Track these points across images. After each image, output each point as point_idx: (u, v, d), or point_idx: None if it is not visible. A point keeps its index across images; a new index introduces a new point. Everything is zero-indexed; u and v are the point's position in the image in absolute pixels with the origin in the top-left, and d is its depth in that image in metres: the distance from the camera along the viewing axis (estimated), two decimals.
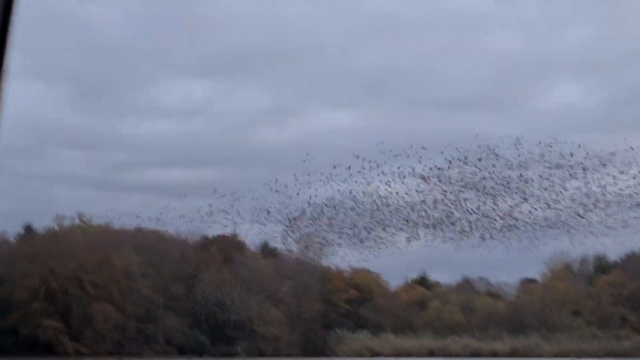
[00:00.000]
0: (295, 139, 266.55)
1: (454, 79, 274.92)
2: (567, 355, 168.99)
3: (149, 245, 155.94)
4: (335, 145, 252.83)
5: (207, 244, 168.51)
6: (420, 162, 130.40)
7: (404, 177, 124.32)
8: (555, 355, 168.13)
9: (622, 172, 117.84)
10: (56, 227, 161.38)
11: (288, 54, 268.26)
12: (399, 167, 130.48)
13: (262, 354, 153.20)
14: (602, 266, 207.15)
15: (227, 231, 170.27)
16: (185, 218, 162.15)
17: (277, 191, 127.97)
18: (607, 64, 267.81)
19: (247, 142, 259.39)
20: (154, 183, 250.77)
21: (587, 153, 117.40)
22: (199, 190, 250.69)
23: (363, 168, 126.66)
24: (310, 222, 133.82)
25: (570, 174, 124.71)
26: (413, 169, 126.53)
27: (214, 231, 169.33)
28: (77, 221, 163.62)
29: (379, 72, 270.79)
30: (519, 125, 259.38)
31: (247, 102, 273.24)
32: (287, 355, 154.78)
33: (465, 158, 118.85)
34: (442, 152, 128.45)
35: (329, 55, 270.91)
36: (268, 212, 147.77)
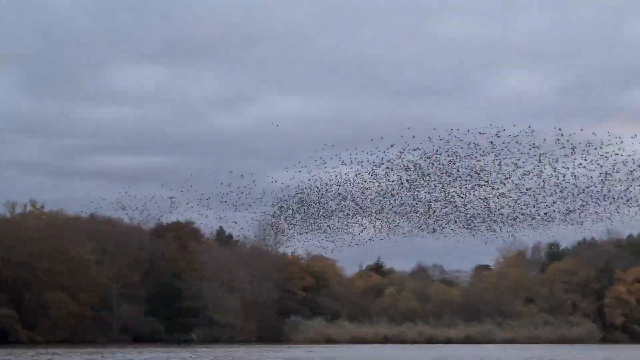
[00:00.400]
0: (249, 125, 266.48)
1: (408, 66, 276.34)
2: (520, 341, 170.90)
3: (104, 232, 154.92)
4: (289, 132, 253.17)
5: (163, 231, 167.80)
6: (376, 148, 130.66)
7: (361, 164, 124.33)
8: (508, 342, 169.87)
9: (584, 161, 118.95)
10: (8, 214, 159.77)
11: (242, 41, 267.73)
12: (356, 154, 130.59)
13: (217, 341, 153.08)
14: (555, 253, 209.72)
15: (183, 218, 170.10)
16: (140, 205, 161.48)
17: (232, 177, 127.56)
18: (559, 52, 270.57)
19: (201, 129, 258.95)
20: (107, 169, 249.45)
21: (544, 140, 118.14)
22: (153, 176, 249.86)
23: (320, 158, 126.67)
24: (267, 209, 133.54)
25: (525, 162, 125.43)
26: (370, 156, 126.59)
27: (169, 218, 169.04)
28: (29, 208, 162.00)
29: (334, 59, 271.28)
30: (473, 112, 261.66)
31: (201, 88, 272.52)
32: (243, 342, 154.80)
33: (425, 149, 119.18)
34: (398, 139, 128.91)
35: (284, 42, 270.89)
36: (223, 198, 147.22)
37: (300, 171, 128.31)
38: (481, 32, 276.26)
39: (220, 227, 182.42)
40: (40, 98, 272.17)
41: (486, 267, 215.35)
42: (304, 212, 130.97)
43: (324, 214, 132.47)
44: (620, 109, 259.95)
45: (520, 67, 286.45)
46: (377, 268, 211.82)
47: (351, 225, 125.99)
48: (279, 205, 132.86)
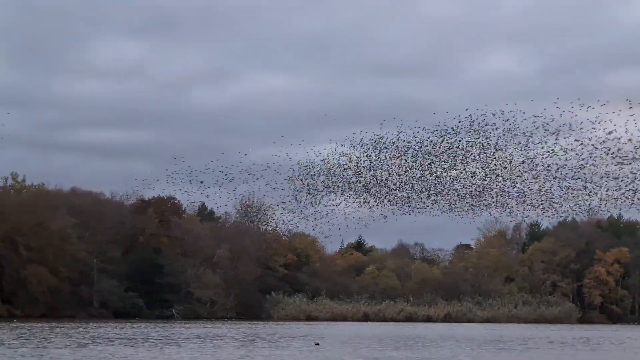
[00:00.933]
0: (231, 102, 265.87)
1: (390, 45, 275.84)
2: (499, 321, 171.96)
3: (85, 207, 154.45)
4: (271, 109, 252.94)
5: (144, 207, 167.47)
6: (359, 127, 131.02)
7: (343, 143, 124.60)
8: (487, 321, 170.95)
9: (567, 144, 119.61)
10: None
11: (225, 16, 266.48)
12: (338, 132, 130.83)
13: (197, 317, 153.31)
14: (535, 233, 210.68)
15: (164, 193, 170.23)
16: (121, 180, 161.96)
17: (214, 153, 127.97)
18: (541, 33, 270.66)
19: (183, 104, 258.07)
20: (88, 144, 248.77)
21: (533, 123, 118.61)
22: (135, 151, 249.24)
23: (304, 136, 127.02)
24: (250, 185, 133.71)
25: (506, 143, 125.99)
26: (352, 135, 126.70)
27: (150, 193, 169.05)
28: (10, 181, 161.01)
29: (316, 37, 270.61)
30: (454, 92, 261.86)
31: (183, 64, 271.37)
32: (223, 318, 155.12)
33: (403, 125, 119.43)
34: (379, 118, 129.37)
35: (267, 19, 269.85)
36: (205, 174, 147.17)
37: (282, 148, 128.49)
38: (463, 11, 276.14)
39: (202, 203, 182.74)
40: (22, 71, 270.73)
41: (467, 246, 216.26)
42: (288, 187, 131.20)
43: (310, 190, 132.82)
44: (602, 91, 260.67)
45: (502, 48, 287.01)
46: (359, 246, 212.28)
47: (335, 199, 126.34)
48: (264, 181, 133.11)
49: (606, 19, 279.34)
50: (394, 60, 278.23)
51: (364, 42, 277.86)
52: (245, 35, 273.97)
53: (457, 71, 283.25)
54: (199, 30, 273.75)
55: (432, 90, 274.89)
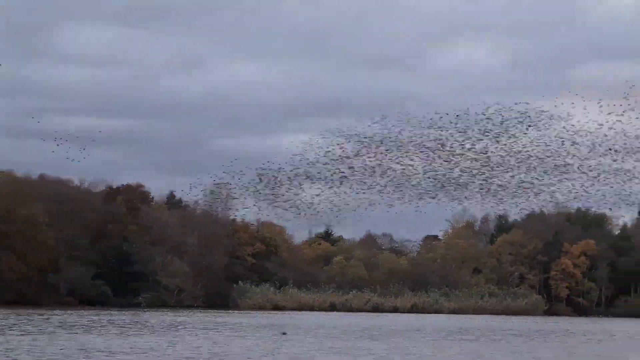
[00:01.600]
0: (204, 90, 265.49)
1: (372, 37, 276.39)
2: (466, 312, 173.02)
3: (54, 194, 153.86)
4: (248, 99, 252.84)
5: (113, 194, 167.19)
6: (333, 118, 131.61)
7: (315, 133, 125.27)
8: (454, 312, 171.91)
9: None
10: None
11: (200, 5, 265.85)
12: (311, 122, 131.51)
13: (164, 306, 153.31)
14: (503, 225, 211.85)
15: (133, 181, 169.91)
16: (91, 167, 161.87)
17: (186, 142, 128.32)
18: (510, 26, 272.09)
19: (156, 92, 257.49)
20: (61, 130, 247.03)
21: (502, 115, 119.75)
22: (106, 139, 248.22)
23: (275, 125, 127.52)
24: (219, 174, 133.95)
25: (478, 135, 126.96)
26: (326, 125, 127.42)
27: (119, 181, 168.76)
28: None
29: (291, 27, 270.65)
30: (423, 83, 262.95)
31: (157, 52, 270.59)
32: (190, 307, 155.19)
33: (382, 116, 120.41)
34: (356, 110, 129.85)
35: (242, 8, 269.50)
36: (176, 163, 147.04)
37: (256, 137, 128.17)
38: (434, 3, 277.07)
39: (170, 191, 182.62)
40: None
41: (435, 237, 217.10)
42: (258, 176, 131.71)
43: (279, 180, 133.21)
44: (570, 84, 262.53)
45: (470, 40, 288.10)
46: (327, 236, 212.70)
47: (304, 189, 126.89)
48: (234, 170, 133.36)
49: (575, 11, 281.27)
50: (365, 52, 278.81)
51: (337, 33, 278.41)
52: (218, 25, 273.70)
53: (426, 63, 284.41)
54: (173, 18, 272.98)
55: (402, 81, 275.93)
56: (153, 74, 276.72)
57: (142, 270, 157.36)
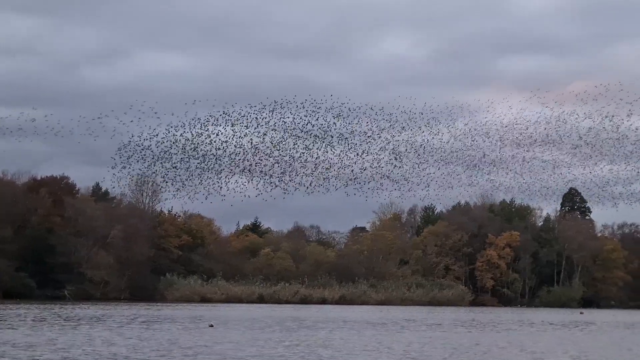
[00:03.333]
0: (125, 81, 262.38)
1: (287, 26, 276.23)
2: (392, 303, 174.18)
3: None
4: (166, 89, 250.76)
5: (36, 186, 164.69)
6: (252, 108, 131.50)
7: (236, 124, 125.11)
8: (381, 303, 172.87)
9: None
10: None
11: None
12: (232, 113, 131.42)
13: (89, 298, 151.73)
14: (429, 217, 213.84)
15: (57, 173, 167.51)
16: (12, 159, 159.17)
17: (106, 133, 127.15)
18: (434, 17, 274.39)
19: (75, 83, 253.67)
20: None
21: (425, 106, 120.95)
22: (25, 130, 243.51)
23: (195, 115, 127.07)
24: (143, 165, 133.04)
25: (400, 128, 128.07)
26: (247, 116, 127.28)
27: (43, 172, 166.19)
28: None
29: (213, 17, 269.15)
30: (348, 75, 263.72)
31: (74, 42, 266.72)
32: (116, 299, 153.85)
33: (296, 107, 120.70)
34: (276, 101, 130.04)
35: None
36: (98, 154, 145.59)
37: (177, 128, 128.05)
38: None
39: (96, 183, 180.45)
40: None
41: (362, 229, 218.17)
42: (183, 167, 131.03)
43: (204, 171, 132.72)
44: (494, 77, 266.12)
45: (395, 32, 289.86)
46: (254, 228, 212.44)
47: (230, 180, 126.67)
48: (158, 161, 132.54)
49: (500, 2, 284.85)
50: (290, 42, 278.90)
51: (262, 23, 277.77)
52: (139, 14, 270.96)
53: (350, 54, 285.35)
54: (92, 6, 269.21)
55: (325, 73, 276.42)
56: (72, 64, 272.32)
57: (66, 262, 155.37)
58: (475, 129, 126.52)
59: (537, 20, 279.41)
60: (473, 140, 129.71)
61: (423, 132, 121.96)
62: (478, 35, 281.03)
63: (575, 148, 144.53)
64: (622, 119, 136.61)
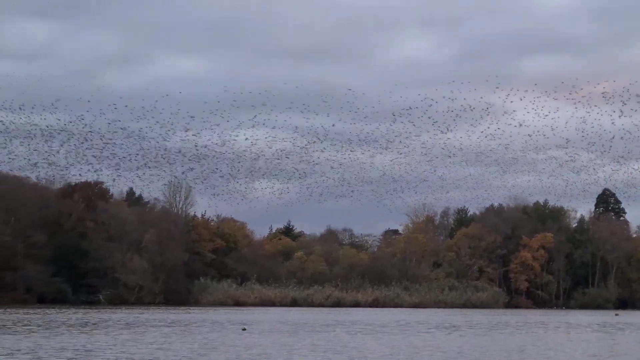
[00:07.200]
0: (143, 85, 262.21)
1: (302, 28, 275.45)
2: (426, 306, 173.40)
3: (8, 191, 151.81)
4: (185, 93, 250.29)
5: (70, 191, 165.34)
6: (273, 112, 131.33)
7: (263, 128, 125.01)
8: (414, 306, 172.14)
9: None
10: None
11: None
12: (255, 117, 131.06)
13: (124, 303, 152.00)
14: (462, 219, 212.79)
15: (91, 178, 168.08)
16: (44, 164, 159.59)
17: (132, 138, 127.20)
18: (455, 18, 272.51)
19: (94, 87, 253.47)
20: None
21: (448, 107, 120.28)
22: (50, 136, 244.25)
23: (221, 118, 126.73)
24: (175, 170, 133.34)
25: (430, 129, 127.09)
26: (269, 120, 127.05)
27: (76, 178, 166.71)
28: None
29: (227, 20, 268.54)
30: (367, 77, 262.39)
31: (93, 46, 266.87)
32: (150, 303, 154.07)
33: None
34: (292, 102, 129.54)
35: (174, 2, 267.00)
36: (128, 159, 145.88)
37: (202, 132, 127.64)
38: None
39: (130, 188, 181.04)
40: None
41: (395, 231, 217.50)
42: (215, 172, 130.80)
43: (236, 175, 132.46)
44: (515, 77, 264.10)
45: (415, 32, 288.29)
46: (287, 231, 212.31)
47: (262, 185, 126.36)
48: (190, 166, 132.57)
49: (520, 3, 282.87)
50: (306, 44, 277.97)
51: (274, 25, 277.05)
52: (156, 18, 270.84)
53: (370, 55, 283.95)
54: (110, 11, 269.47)
55: (345, 74, 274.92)
56: (90, 69, 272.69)
57: (100, 267, 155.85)
58: (501, 130, 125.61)
59: (559, 18, 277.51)
60: (500, 141, 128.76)
61: (448, 132, 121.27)
62: (499, 35, 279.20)
63: (608, 148, 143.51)
64: None
